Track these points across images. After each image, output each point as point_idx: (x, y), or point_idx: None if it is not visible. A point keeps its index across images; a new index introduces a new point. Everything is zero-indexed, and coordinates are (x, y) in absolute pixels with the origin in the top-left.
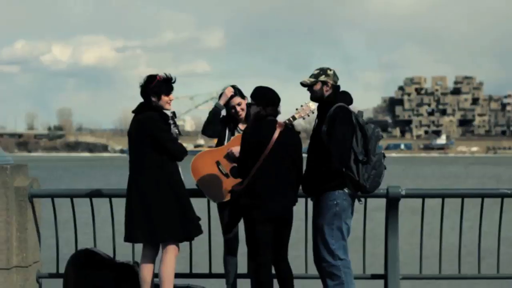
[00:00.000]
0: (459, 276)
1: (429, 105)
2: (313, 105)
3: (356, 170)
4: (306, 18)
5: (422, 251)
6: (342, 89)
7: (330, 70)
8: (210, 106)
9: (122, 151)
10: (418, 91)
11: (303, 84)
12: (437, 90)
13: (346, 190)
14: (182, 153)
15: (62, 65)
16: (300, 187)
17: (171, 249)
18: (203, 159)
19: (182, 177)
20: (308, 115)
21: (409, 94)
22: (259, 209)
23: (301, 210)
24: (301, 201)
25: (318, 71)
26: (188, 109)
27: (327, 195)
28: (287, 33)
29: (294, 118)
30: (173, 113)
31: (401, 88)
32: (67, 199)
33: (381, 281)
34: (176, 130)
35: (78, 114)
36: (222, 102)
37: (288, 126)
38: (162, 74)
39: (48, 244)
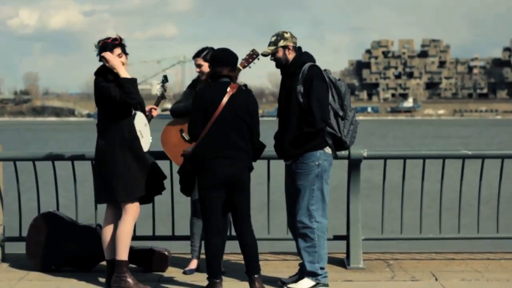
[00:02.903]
0: (421, 237)
1: (396, 68)
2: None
3: (337, 126)
4: None
5: (384, 212)
6: (307, 52)
7: (287, 33)
8: (177, 70)
9: (89, 115)
10: (385, 54)
11: (264, 55)
12: (404, 53)
13: (326, 150)
14: (127, 93)
15: (29, 29)
16: (261, 150)
17: (130, 210)
18: (169, 128)
19: (151, 138)
20: (254, 63)
21: (376, 57)
22: (205, 174)
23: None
24: (263, 164)
25: (275, 37)
26: (156, 73)
27: (307, 156)
28: None
29: (238, 69)
30: (165, 76)
31: (368, 51)
32: (30, 162)
33: (344, 242)
34: (163, 91)
35: (44, 79)
36: None
37: (242, 88)
38: (117, 36)
39: (10, 208)
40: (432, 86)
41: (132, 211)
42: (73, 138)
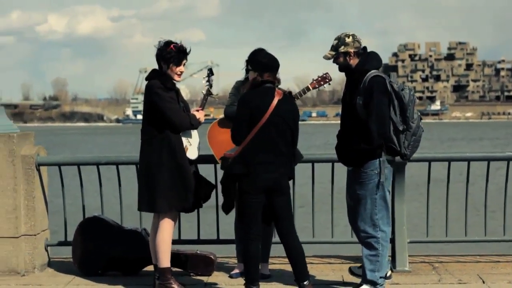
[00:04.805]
0: (466, 239)
1: (423, 71)
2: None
3: (397, 140)
4: None
5: (429, 215)
6: None
7: (348, 37)
8: (204, 74)
9: (118, 121)
10: (412, 57)
11: (325, 59)
12: (431, 56)
13: (386, 157)
14: (182, 125)
15: (57, 35)
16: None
17: (167, 218)
18: (218, 126)
19: (199, 144)
20: (324, 86)
21: (403, 61)
22: (249, 179)
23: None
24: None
25: (336, 41)
26: (183, 78)
27: (367, 165)
28: (282, 0)
29: (308, 89)
30: (210, 69)
31: (395, 55)
32: (73, 167)
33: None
34: (209, 87)
35: (73, 84)
36: None
37: (286, 94)
38: (180, 42)
39: (56, 212)
40: (459, 88)
41: (169, 219)
42: (104, 142)
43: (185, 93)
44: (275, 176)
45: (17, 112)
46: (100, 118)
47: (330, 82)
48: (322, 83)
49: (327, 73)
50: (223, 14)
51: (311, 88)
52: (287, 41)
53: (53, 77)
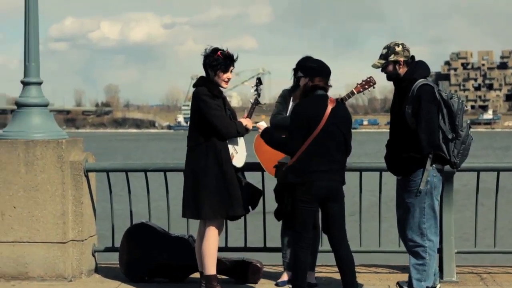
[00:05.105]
0: None
1: (475, 80)
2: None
3: (446, 149)
4: None
5: (477, 226)
6: None
7: (398, 45)
8: (255, 82)
9: (169, 127)
10: (464, 66)
11: (374, 67)
12: (483, 64)
13: (435, 166)
14: (228, 132)
15: (110, 42)
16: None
17: (213, 225)
18: None
19: (246, 153)
20: (369, 90)
21: (455, 69)
22: (304, 187)
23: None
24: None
25: (386, 50)
26: (235, 85)
27: (416, 173)
28: (334, 8)
29: (352, 93)
30: (259, 79)
31: (447, 63)
32: (122, 173)
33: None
34: (257, 96)
35: (125, 91)
36: None
37: (339, 102)
38: (226, 49)
39: (103, 218)
40: None
41: (215, 227)
42: (156, 148)
43: (236, 100)
44: (330, 184)
45: (69, 118)
46: (152, 124)
47: (375, 86)
48: (366, 87)
49: (371, 77)
50: (275, 21)
51: (355, 92)
52: (338, 50)
53: (105, 84)
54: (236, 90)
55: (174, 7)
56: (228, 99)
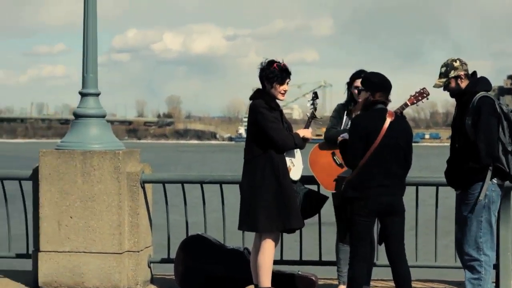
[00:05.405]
0: None
1: None
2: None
3: (506, 161)
4: (416, 5)
5: None
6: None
7: (455, 61)
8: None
9: (230, 139)
10: None
11: (436, 87)
12: None
13: (495, 181)
14: (285, 144)
15: (172, 53)
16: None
17: (269, 238)
18: (320, 149)
19: (302, 165)
20: (422, 102)
21: None
22: (363, 202)
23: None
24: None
25: (444, 68)
26: (296, 98)
27: (474, 186)
28: (397, 21)
29: (406, 105)
30: (315, 93)
31: (510, 77)
32: (178, 184)
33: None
34: (313, 110)
35: (187, 102)
36: None
37: (398, 115)
38: (282, 61)
39: (159, 229)
40: None
41: (271, 239)
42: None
43: (298, 113)
44: (390, 199)
45: (131, 129)
46: (213, 136)
47: (428, 97)
48: (420, 98)
49: (424, 88)
50: (337, 34)
51: (409, 104)
52: (400, 63)
53: (167, 95)
54: (297, 103)
55: (236, 19)
56: (289, 111)
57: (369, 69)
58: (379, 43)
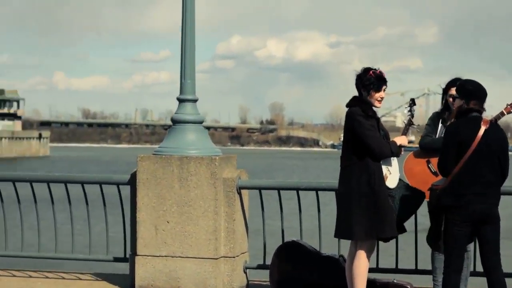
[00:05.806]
0: None
1: None
2: None
3: None
4: None
5: None
6: None
7: None
8: (421, 102)
9: (333, 146)
10: None
11: None
12: None
13: None
14: (382, 152)
15: (276, 60)
16: None
17: (364, 246)
18: (415, 157)
19: (399, 174)
20: None
21: None
22: (458, 210)
23: None
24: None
25: None
26: (399, 105)
27: None
28: (504, 31)
29: (502, 114)
30: (412, 100)
31: None
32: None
33: None
34: (410, 117)
35: (289, 109)
36: None
37: (493, 123)
38: (378, 69)
39: (255, 235)
40: None
41: (366, 247)
42: (317, 167)
43: (400, 120)
44: (484, 207)
45: (234, 135)
46: (316, 143)
47: None
48: None
49: None
50: (441, 41)
51: (505, 113)
52: (504, 73)
53: (270, 101)
54: (400, 111)
55: (339, 26)
56: (392, 119)
57: (471, 78)
58: (484, 52)
